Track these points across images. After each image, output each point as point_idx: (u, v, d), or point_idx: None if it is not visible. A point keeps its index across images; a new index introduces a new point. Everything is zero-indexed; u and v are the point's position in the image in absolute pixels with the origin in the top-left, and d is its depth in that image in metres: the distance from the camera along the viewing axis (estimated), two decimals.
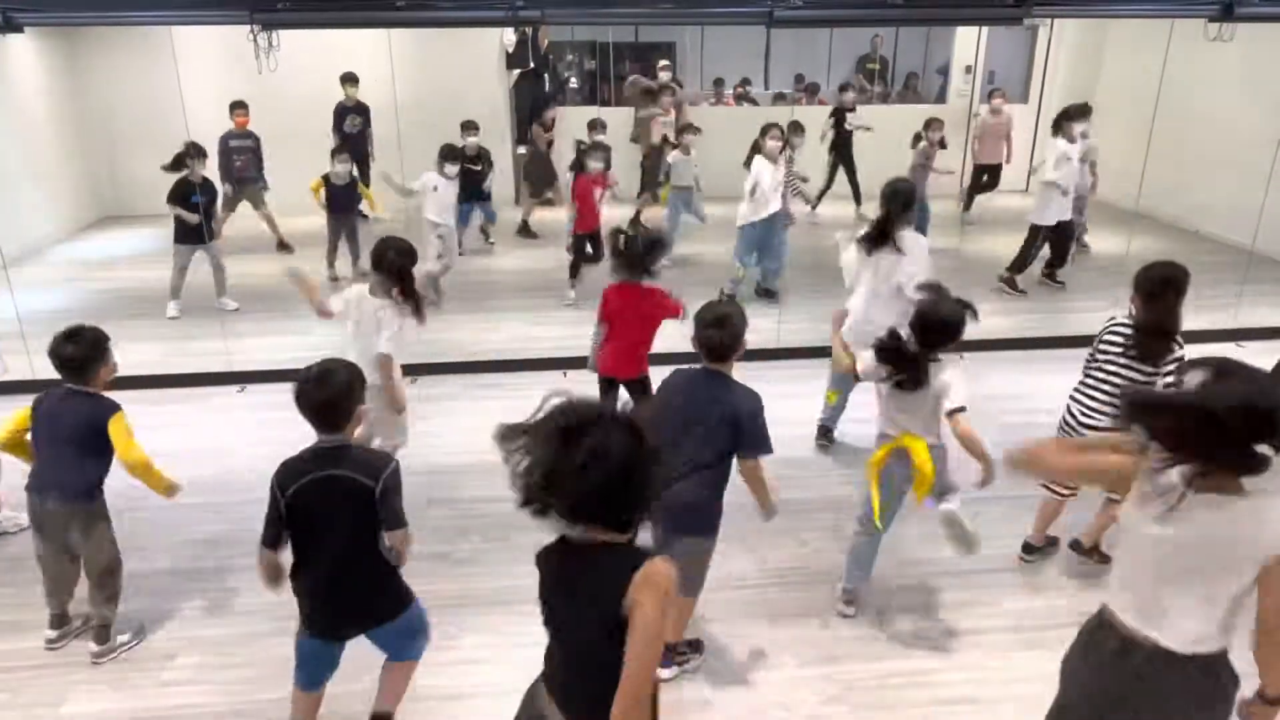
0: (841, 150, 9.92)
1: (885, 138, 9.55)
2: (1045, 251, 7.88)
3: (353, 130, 9.16)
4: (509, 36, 10.00)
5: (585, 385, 5.70)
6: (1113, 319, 3.82)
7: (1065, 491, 3.88)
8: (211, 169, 7.74)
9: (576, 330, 6.76)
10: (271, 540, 2.77)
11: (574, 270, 7.64)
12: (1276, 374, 3.69)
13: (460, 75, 10.30)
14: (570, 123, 10.04)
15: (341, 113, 9.20)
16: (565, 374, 6.05)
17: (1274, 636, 2.06)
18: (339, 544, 2.74)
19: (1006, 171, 9.88)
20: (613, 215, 7.81)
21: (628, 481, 1.87)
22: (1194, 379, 2.03)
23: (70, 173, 10.07)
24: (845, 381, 4.98)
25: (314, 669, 2.97)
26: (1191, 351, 3.93)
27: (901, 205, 4.68)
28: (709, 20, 10.28)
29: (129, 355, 5.86)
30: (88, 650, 3.56)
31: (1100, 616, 2.33)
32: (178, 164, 7.03)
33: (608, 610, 1.88)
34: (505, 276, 8.11)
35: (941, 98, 12.41)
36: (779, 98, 13.19)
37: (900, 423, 3.52)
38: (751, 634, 3.67)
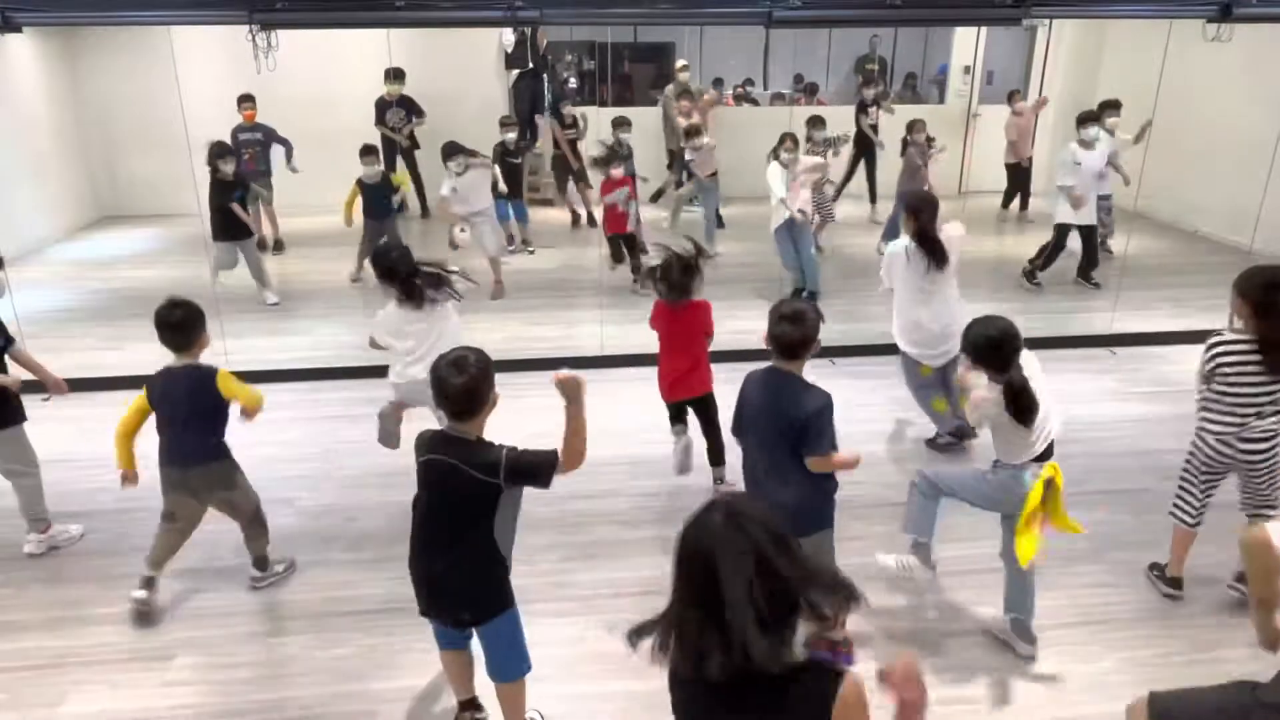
0: (863, 146, 9.92)
1: (884, 138, 9.59)
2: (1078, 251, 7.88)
3: (398, 125, 9.17)
4: (508, 36, 10.00)
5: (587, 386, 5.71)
6: (1220, 338, 3.53)
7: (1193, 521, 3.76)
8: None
9: (576, 330, 6.78)
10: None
11: (615, 260, 7.73)
12: None
13: (459, 75, 10.30)
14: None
15: (382, 108, 9.20)
16: None
17: None
18: (446, 528, 2.75)
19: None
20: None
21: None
22: None
23: (69, 173, 10.06)
24: (931, 387, 5.02)
25: (440, 632, 2.99)
26: (1190, 352, 3.95)
27: (930, 215, 4.76)
28: (708, 21, 10.29)
29: (128, 356, 5.88)
30: (249, 576, 3.94)
31: None
32: (213, 167, 7.09)
33: None
34: (504, 277, 8.10)
35: (940, 98, 12.42)
36: (777, 97, 13.21)
37: (1035, 449, 3.35)
38: None
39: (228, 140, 7.97)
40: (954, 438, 5.07)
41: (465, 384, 2.65)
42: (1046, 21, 10.24)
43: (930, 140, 8.46)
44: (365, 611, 3.80)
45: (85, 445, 5.04)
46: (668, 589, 1.69)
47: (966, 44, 11.19)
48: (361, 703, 3.28)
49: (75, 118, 10.10)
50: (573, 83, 11.31)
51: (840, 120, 9.56)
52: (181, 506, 3.76)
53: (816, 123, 8.45)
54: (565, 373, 2.80)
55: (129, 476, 3.75)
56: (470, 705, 3.12)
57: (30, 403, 4.32)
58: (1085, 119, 7.35)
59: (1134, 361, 6.32)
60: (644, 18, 8.16)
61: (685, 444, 4.52)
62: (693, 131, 8.52)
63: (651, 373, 4.60)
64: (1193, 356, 5.99)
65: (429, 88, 9.54)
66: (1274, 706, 2.19)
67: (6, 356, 4.13)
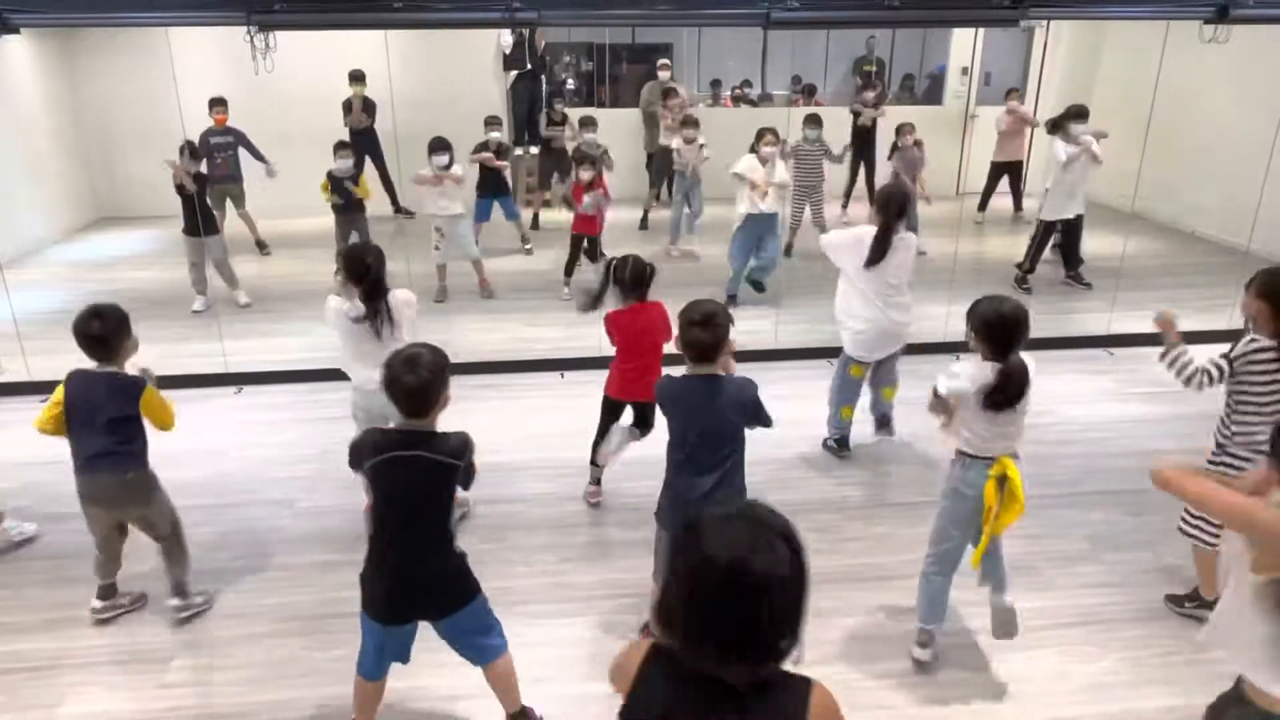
0: (862, 148, 9.93)
1: (883, 138, 9.59)
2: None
3: (360, 126, 9.16)
4: (506, 38, 10.00)
5: (584, 387, 5.71)
6: (1250, 339, 3.45)
7: (1214, 541, 3.58)
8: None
9: (575, 331, 6.76)
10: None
11: (568, 268, 7.68)
12: None
13: (457, 77, 10.30)
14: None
15: (348, 109, 9.20)
16: (563, 375, 6.06)
17: None
18: (415, 523, 2.75)
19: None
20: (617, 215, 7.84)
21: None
22: None
23: (67, 174, 10.05)
24: (854, 394, 4.99)
25: (377, 657, 2.98)
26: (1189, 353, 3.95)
27: (897, 212, 4.61)
28: (706, 22, 10.29)
29: None
30: (167, 605, 3.72)
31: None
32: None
33: None
34: (503, 277, 8.10)
35: (938, 99, 12.43)
36: (765, 98, 13.24)
37: (997, 447, 3.21)
38: None
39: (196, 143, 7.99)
40: (837, 445, 5.08)
41: (419, 382, 2.66)
42: (1044, 22, 10.29)
43: (918, 143, 8.49)
44: None
45: None
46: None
47: (964, 45, 11.21)
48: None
49: (73, 119, 10.09)
50: (571, 84, 11.31)
51: (839, 120, 9.58)
52: (95, 521, 3.60)
53: (813, 121, 8.45)
54: None
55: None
56: None
57: (29, 403, 4.33)
58: (1073, 114, 7.41)
59: (1132, 362, 6.33)
60: (642, 19, 8.16)
61: (625, 432, 4.42)
62: (688, 123, 8.53)
63: None
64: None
65: (427, 89, 9.54)
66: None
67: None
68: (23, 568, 4.15)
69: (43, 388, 4.91)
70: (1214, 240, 9.19)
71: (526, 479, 4.83)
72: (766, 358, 6.15)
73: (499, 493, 4.64)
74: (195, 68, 8.31)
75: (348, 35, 8.21)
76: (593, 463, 4.56)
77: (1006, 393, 3.10)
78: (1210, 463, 3.55)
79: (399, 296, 4.02)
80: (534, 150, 10.16)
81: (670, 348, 3.80)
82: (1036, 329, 6.65)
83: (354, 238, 7.68)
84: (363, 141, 9.10)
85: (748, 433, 3.21)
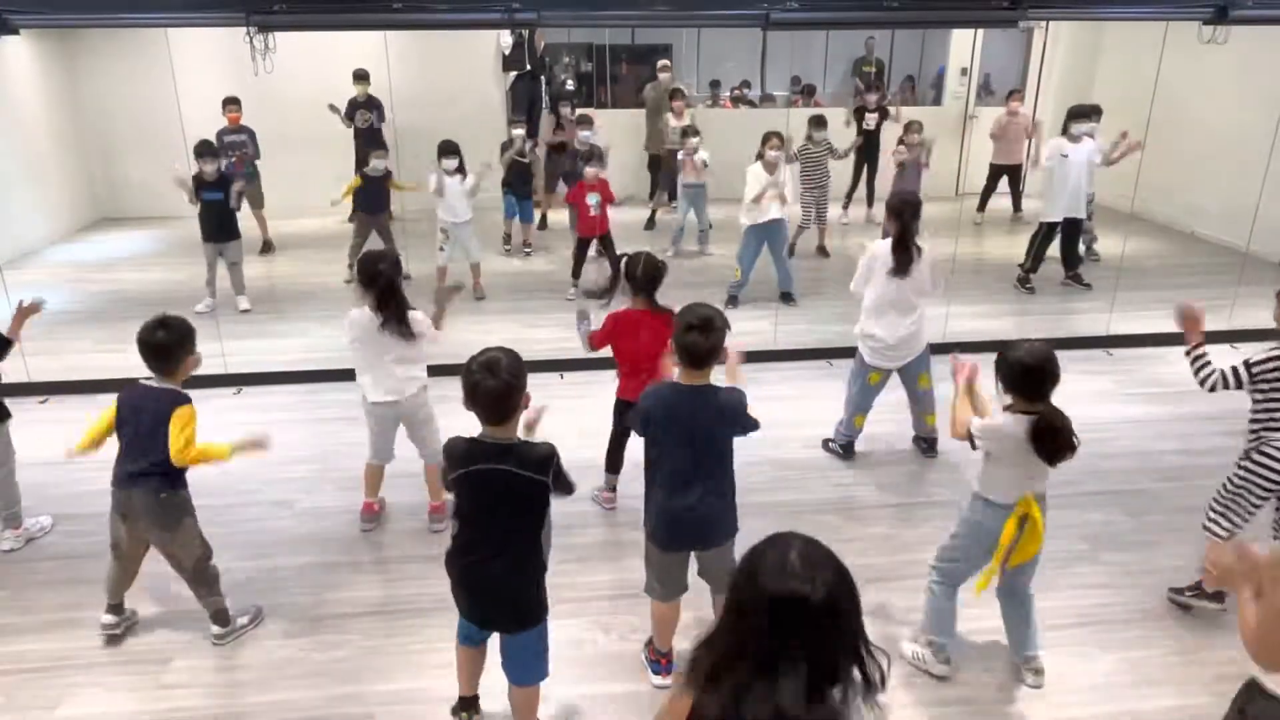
0: (865, 150, 9.93)
1: (886, 144, 9.59)
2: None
3: (365, 125, 9.18)
4: (505, 39, 10.01)
5: (584, 388, 5.71)
6: (1272, 346, 3.50)
7: (1225, 537, 3.64)
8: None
9: (574, 333, 6.75)
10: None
11: (575, 271, 7.70)
12: None
13: (457, 77, 10.31)
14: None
15: (353, 108, 9.22)
16: (562, 376, 6.06)
17: None
18: (499, 536, 2.71)
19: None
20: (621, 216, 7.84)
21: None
22: None
23: (66, 174, 10.06)
24: (869, 402, 4.95)
25: (466, 630, 2.98)
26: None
27: (912, 215, 4.68)
28: (705, 23, 10.31)
29: (126, 358, 5.86)
30: (210, 634, 3.59)
31: None
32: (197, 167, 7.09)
33: None
34: (502, 278, 8.11)
35: (937, 100, 12.44)
36: (764, 99, 13.24)
37: (1029, 486, 3.16)
38: None
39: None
40: (842, 450, 5.04)
41: (499, 387, 2.60)
42: (1043, 23, 10.30)
43: (923, 142, 8.48)
44: (363, 614, 3.80)
45: None
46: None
47: (963, 46, 11.22)
48: (359, 705, 3.27)
49: (73, 120, 10.09)
50: (570, 84, 11.32)
51: (838, 121, 9.58)
52: (120, 535, 3.53)
53: (818, 122, 8.45)
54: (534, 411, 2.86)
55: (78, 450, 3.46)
56: (470, 704, 3.11)
57: (28, 404, 4.33)
58: (1075, 114, 7.40)
59: (1130, 363, 6.34)
60: (641, 20, 8.17)
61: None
62: (689, 134, 8.54)
63: None
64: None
65: (426, 90, 9.55)
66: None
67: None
68: (22, 569, 4.15)
69: (42, 388, 4.91)
70: (1213, 241, 9.19)
71: None
72: (766, 358, 6.15)
73: None
74: (195, 68, 8.32)
75: (347, 36, 8.22)
76: (609, 470, 4.56)
77: (1047, 452, 3.00)
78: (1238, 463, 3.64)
79: (416, 316, 4.07)
80: (537, 151, 10.15)
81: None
82: (1036, 329, 6.71)
83: (373, 239, 7.73)
84: (371, 141, 9.09)
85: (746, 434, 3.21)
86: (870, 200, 10.13)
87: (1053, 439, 2.97)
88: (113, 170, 10.35)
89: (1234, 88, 8.78)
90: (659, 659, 3.39)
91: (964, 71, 11.30)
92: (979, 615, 3.57)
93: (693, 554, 3.31)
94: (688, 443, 3.09)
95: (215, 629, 3.61)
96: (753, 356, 4.61)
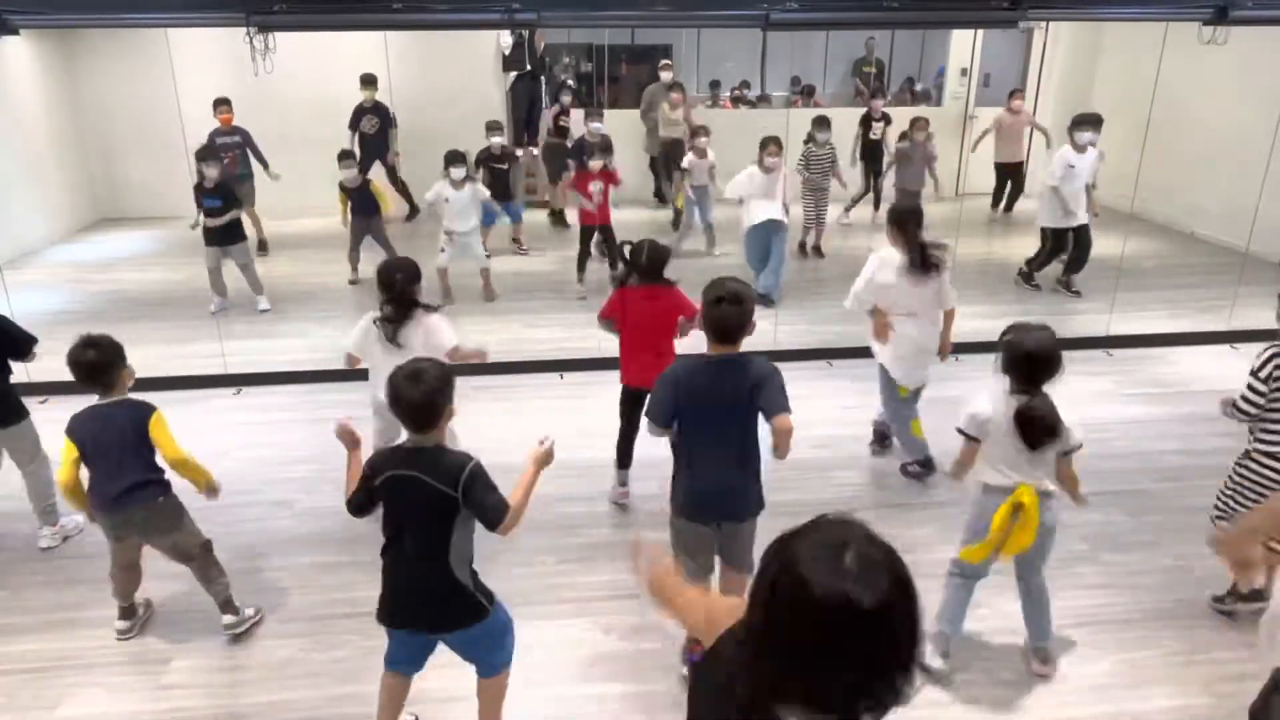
0: (870, 155, 9.94)
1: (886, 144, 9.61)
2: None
3: (370, 131, 9.18)
4: (505, 39, 10.01)
5: (584, 388, 5.71)
6: (1268, 346, 3.47)
7: None
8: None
9: (575, 332, 6.77)
10: (355, 508, 2.80)
11: (580, 264, 7.70)
12: None
13: (457, 78, 10.30)
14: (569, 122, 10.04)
15: (359, 114, 9.21)
16: (563, 376, 6.06)
17: None
18: (415, 544, 2.71)
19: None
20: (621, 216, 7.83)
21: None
22: None
23: (66, 175, 10.05)
24: (911, 409, 4.80)
25: (398, 654, 2.96)
26: (1186, 354, 3.96)
27: (917, 225, 4.54)
28: (705, 23, 10.31)
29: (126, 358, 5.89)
30: (222, 624, 3.62)
31: None
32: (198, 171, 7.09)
33: None
34: (503, 278, 8.10)
35: (937, 100, 12.44)
36: (764, 99, 13.24)
37: (1024, 473, 3.17)
38: None
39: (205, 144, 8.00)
40: (921, 467, 4.80)
41: (418, 398, 2.62)
42: (1043, 24, 10.30)
43: (929, 136, 8.49)
44: (363, 613, 3.77)
45: None
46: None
47: (963, 46, 11.22)
48: (359, 705, 3.27)
49: (73, 120, 10.09)
50: (570, 85, 11.32)
51: (839, 121, 9.57)
52: (122, 551, 3.55)
53: (821, 123, 8.44)
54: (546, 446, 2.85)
55: (92, 517, 3.53)
56: None
57: (28, 404, 4.33)
58: (1080, 122, 7.34)
59: (1130, 363, 6.33)
60: (641, 20, 8.17)
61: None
62: (698, 133, 8.52)
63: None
64: (1189, 358, 6.05)
65: (427, 90, 9.54)
66: None
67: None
68: (22, 569, 4.15)
69: (42, 388, 4.91)
70: (1213, 241, 9.19)
71: None
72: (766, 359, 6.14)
73: None
74: (195, 69, 8.31)
75: (347, 36, 8.22)
76: (620, 465, 4.56)
77: (1027, 438, 3.06)
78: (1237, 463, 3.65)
79: (430, 321, 4.09)
80: (535, 151, 10.15)
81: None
82: None
83: (368, 242, 7.77)
84: (375, 146, 9.10)
85: None
86: (876, 203, 10.13)
87: (1029, 425, 3.06)
88: (113, 170, 10.35)
89: (1234, 88, 8.78)
90: (692, 647, 3.29)
91: (964, 72, 11.30)
92: (983, 615, 3.57)
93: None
94: (713, 415, 3.09)
95: (226, 618, 3.63)
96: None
